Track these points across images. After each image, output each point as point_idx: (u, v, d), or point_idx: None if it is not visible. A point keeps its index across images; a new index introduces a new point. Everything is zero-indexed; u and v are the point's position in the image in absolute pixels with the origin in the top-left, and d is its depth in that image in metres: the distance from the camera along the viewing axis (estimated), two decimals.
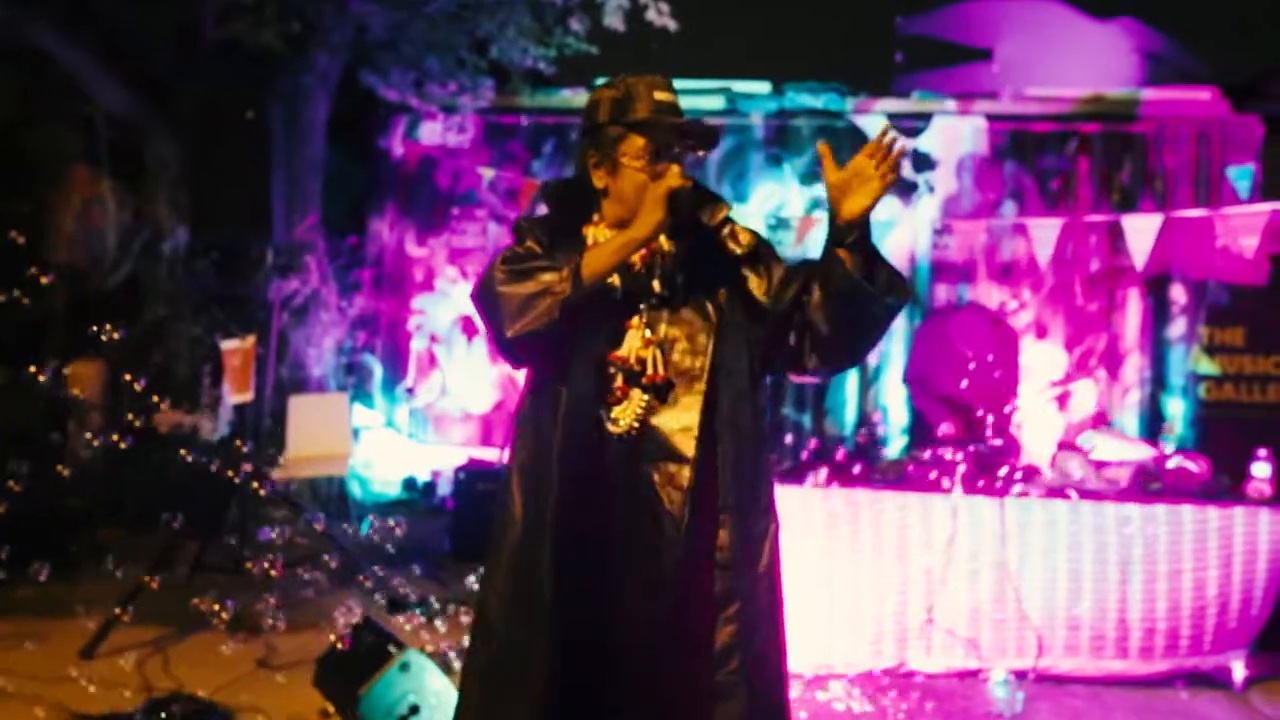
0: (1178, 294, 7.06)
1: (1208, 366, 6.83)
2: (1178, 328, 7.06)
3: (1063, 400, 7.15)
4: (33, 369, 5.85)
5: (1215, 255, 6.34)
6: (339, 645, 3.45)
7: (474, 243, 7.78)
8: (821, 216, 5.73)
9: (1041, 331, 7.15)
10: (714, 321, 2.09)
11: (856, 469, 4.41)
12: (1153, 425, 6.97)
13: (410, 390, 7.80)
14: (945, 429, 5.19)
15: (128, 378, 5.54)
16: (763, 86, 7.49)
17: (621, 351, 2.06)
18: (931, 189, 7.30)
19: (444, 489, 7.10)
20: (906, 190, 7.32)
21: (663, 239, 2.09)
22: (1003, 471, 4.36)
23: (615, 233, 2.08)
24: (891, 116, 7.31)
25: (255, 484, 5.24)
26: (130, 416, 6.31)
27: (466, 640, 2.31)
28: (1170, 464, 4.37)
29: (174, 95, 6.63)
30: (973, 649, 4.20)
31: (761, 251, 2.17)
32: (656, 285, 2.09)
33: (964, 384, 5.58)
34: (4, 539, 4.71)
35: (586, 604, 2.03)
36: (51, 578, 4.87)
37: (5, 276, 6.39)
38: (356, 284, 7.55)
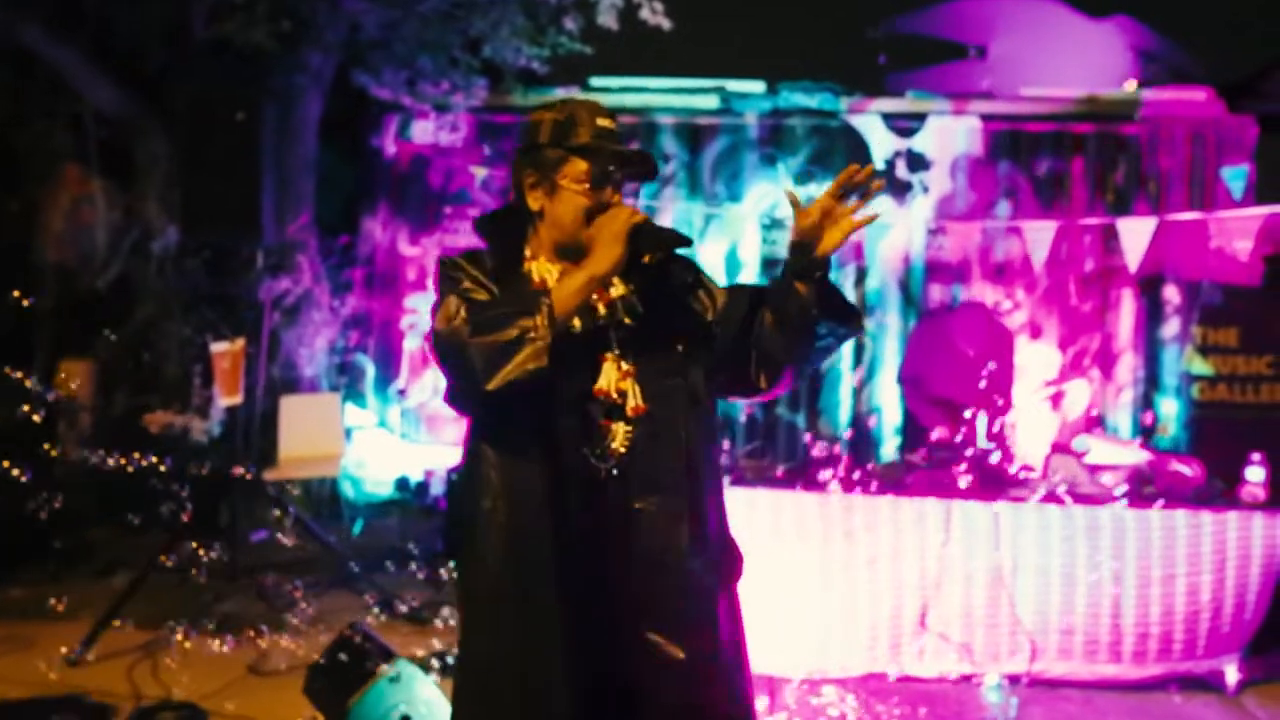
0: (1171, 294, 7.06)
1: (1201, 367, 6.82)
2: (1171, 328, 7.06)
3: (1056, 400, 7.15)
4: (20, 371, 5.81)
5: (1209, 256, 6.33)
6: (328, 654, 3.43)
7: (467, 242, 7.75)
8: None
9: (1036, 331, 7.14)
10: (682, 350, 2.09)
11: (850, 472, 4.39)
12: (1146, 425, 6.98)
13: (402, 390, 7.77)
14: (940, 432, 5.18)
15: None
16: (757, 86, 7.46)
17: (601, 385, 2.03)
18: (926, 189, 7.29)
19: (437, 489, 7.09)
20: (901, 191, 7.30)
21: (616, 278, 2.08)
22: (996, 476, 4.35)
23: (561, 266, 2.06)
24: (886, 116, 7.30)
25: (246, 485, 5.22)
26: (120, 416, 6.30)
27: (456, 650, 2.26)
28: (1164, 468, 4.37)
29: (165, 94, 6.58)
30: (966, 653, 4.19)
31: (703, 280, 2.21)
32: (626, 319, 2.07)
33: (962, 383, 5.57)
34: None
35: (597, 646, 1.99)
36: (40, 579, 4.85)
37: None
38: (349, 283, 7.51)
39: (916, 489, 4.29)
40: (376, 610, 4.88)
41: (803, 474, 4.44)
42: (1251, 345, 6.67)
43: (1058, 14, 8.97)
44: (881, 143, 7.31)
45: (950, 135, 7.31)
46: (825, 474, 4.36)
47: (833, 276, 2.07)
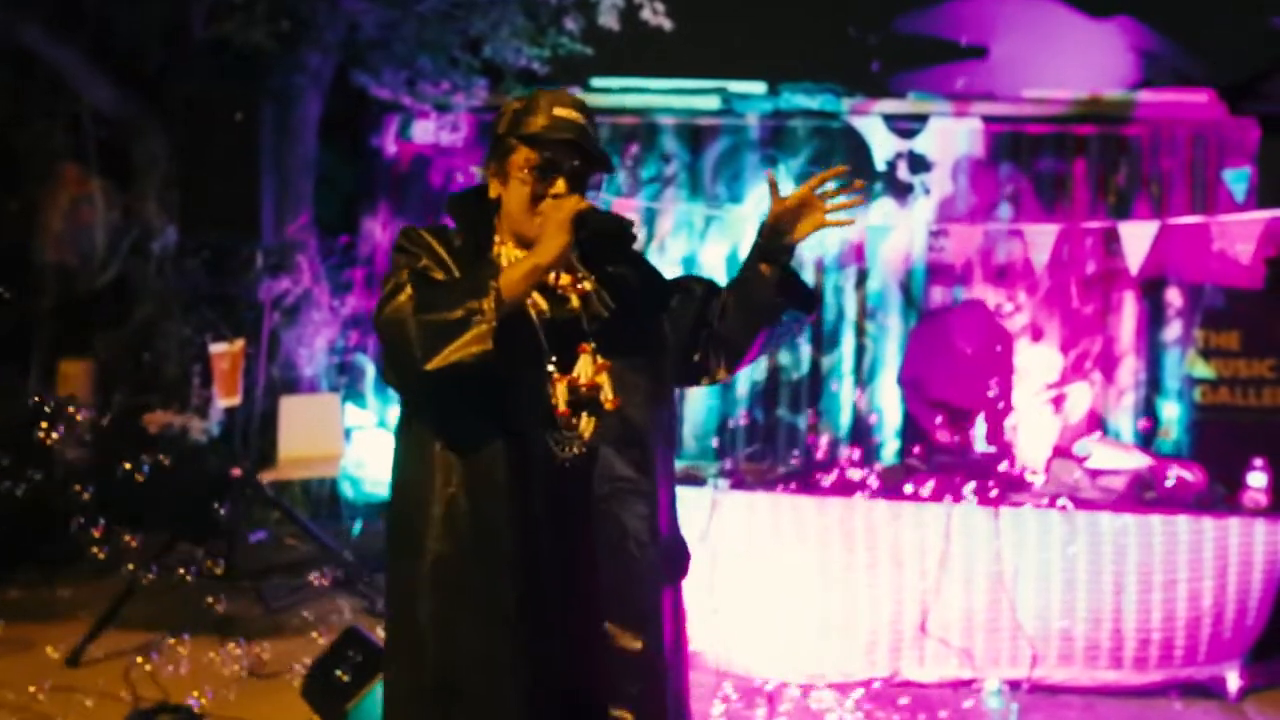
0: (1173, 297, 7.04)
1: (1203, 370, 6.80)
2: (1173, 331, 7.04)
3: (1058, 403, 7.13)
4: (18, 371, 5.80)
5: (1211, 258, 6.30)
6: (327, 657, 3.42)
7: None
8: None
9: (1037, 334, 7.12)
10: (647, 346, 2.12)
11: (850, 475, 4.38)
12: (1148, 428, 6.96)
13: None
14: (941, 436, 5.16)
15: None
16: (758, 87, 7.44)
17: (576, 377, 2.02)
18: (927, 191, 7.27)
19: None
20: (903, 192, 7.28)
21: (574, 260, 2.08)
22: (997, 480, 4.34)
23: (524, 254, 2.04)
24: (887, 118, 7.28)
25: (245, 485, 5.21)
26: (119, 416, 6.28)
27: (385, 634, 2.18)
28: (1166, 474, 4.35)
29: (164, 94, 6.57)
30: (967, 659, 4.18)
31: (655, 271, 2.25)
32: (603, 310, 2.08)
33: (962, 385, 5.55)
34: None
35: (554, 637, 1.98)
36: (37, 580, 4.84)
37: None
38: (349, 283, 7.49)
39: (917, 492, 4.28)
40: (375, 612, 4.86)
41: (802, 477, 4.43)
42: (1253, 348, 6.66)
43: (1059, 14, 8.94)
44: (883, 144, 7.29)
45: (952, 137, 7.28)
46: (825, 477, 4.35)
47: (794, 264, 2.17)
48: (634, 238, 2.12)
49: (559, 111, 2.06)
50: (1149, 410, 7.03)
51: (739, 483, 4.36)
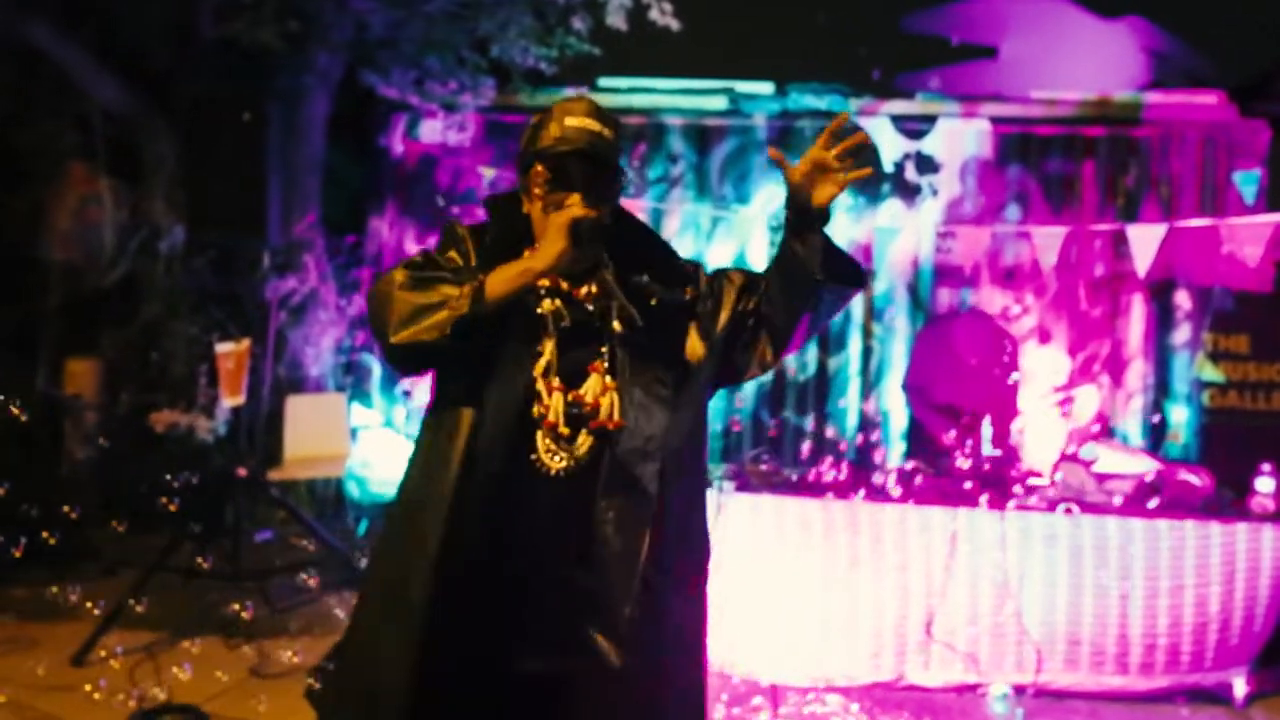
0: (1182, 300, 7.00)
1: (1212, 373, 6.77)
2: (1182, 334, 7.00)
3: (1065, 406, 7.10)
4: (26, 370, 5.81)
5: (1220, 261, 6.27)
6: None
7: None
8: None
9: (1045, 337, 7.09)
10: (676, 359, 2.08)
11: (858, 479, 4.36)
12: (1156, 432, 6.93)
13: (408, 390, 7.76)
14: (947, 438, 5.14)
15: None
16: (766, 87, 7.42)
17: (582, 394, 2.01)
18: (935, 192, 7.24)
19: None
20: (910, 193, 7.26)
21: (606, 274, 2.07)
22: (1003, 483, 4.32)
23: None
24: (895, 119, 7.25)
25: (250, 485, 5.21)
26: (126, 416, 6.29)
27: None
28: (1173, 478, 4.33)
29: (172, 92, 6.58)
30: (972, 663, 4.16)
31: (691, 275, 2.19)
32: (617, 325, 2.05)
33: (965, 391, 5.54)
34: None
35: (542, 637, 1.98)
36: (44, 580, 4.84)
37: (1, 275, 6.36)
38: (355, 283, 7.49)
39: (923, 496, 4.26)
40: None
41: (808, 480, 4.41)
42: (1263, 352, 6.63)
43: (1068, 14, 8.91)
44: (891, 145, 7.27)
45: (960, 138, 7.26)
46: (830, 479, 4.33)
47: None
48: (668, 248, 2.13)
49: (570, 121, 2.07)
50: (1157, 414, 7.00)
51: (744, 485, 4.35)
